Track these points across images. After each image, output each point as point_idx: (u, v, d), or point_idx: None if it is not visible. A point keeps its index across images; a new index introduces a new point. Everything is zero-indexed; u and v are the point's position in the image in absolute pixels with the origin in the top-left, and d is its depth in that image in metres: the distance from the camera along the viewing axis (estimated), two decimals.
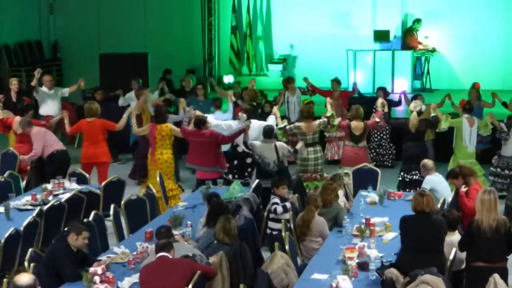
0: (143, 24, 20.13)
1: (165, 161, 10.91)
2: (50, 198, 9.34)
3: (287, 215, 8.60)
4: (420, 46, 18.01)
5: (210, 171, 10.47)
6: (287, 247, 7.56)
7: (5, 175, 10.25)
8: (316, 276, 6.94)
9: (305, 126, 10.97)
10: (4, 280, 7.59)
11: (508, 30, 18.41)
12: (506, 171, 11.89)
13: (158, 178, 10.40)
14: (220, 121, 11.51)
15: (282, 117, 11.80)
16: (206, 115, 11.52)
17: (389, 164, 14.01)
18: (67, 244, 6.96)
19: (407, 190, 10.70)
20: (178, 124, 11.61)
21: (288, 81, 14.72)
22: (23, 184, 10.76)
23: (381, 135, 14.13)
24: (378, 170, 10.66)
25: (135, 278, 6.76)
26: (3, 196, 9.31)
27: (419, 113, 11.40)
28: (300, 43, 19.31)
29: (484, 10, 18.45)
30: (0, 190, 9.72)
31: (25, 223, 8.09)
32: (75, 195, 9.30)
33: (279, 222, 8.43)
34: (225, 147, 11.23)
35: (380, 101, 12.47)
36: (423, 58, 18.24)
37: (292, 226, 8.29)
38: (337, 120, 11.23)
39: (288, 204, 8.76)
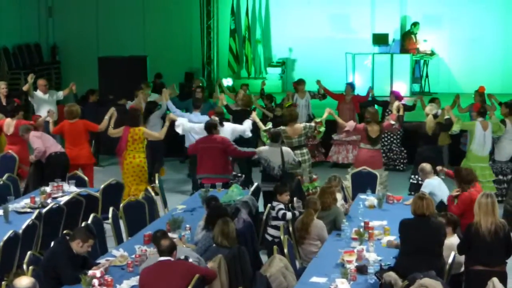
0: (142, 27, 20.10)
1: (137, 165, 10.89)
2: (49, 201, 9.32)
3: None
4: (419, 48, 18.00)
5: (218, 177, 10.24)
6: (285, 250, 7.55)
7: (4, 177, 10.24)
8: (314, 279, 6.93)
9: (290, 129, 10.93)
10: (3, 282, 7.57)
11: (507, 33, 18.41)
12: (500, 176, 11.87)
13: (157, 182, 10.41)
14: (194, 124, 11.33)
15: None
16: (184, 113, 11.51)
17: (401, 169, 13.93)
18: (67, 247, 6.94)
19: None
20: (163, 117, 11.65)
21: (299, 83, 14.46)
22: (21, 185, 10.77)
23: (391, 139, 14.05)
24: (377, 173, 10.66)
25: (133, 281, 6.76)
26: (2, 199, 9.26)
27: (435, 116, 11.44)
28: (299, 46, 19.28)
29: (483, 13, 18.45)
30: None
31: (24, 226, 8.09)
32: (74, 198, 9.29)
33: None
34: None
35: (396, 104, 12.30)
36: (421, 61, 18.23)
37: (291, 229, 8.29)
38: (323, 128, 11.21)
39: (297, 213, 8.70)
